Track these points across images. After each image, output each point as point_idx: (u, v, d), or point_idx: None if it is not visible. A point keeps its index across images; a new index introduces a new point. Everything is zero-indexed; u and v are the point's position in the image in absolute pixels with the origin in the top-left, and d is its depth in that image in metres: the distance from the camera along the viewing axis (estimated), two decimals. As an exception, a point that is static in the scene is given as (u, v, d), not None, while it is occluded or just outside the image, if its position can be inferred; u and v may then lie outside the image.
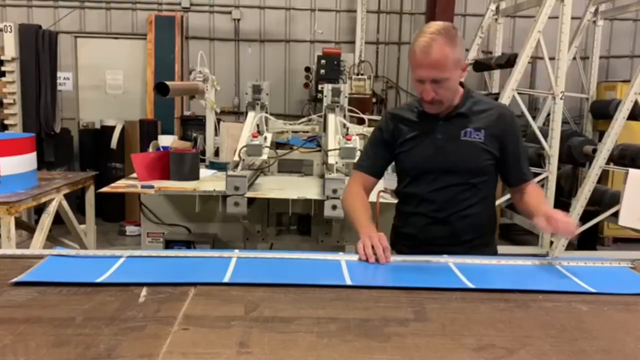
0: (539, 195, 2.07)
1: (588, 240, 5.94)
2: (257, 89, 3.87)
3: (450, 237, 2.02)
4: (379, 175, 2.17)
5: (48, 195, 3.45)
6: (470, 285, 1.56)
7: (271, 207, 3.53)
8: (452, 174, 2.00)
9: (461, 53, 1.93)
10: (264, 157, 3.13)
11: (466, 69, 2.00)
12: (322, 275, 1.64)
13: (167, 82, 3.60)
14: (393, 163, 2.16)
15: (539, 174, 5.37)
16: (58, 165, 5.80)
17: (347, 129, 3.49)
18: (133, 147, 6.39)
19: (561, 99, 5.27)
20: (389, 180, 3.02)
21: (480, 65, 6.49)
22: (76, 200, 5.31)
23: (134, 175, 3.52)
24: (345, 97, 3.80)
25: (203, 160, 3.96)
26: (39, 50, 5.57)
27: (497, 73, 6.68)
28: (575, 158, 5.68)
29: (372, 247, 1.77)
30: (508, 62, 5.65)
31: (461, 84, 2.05)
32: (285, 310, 1.37)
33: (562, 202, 6.09)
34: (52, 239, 4.04)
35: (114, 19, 7.29)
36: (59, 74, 6.06)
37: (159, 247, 3.59)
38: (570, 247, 5.50)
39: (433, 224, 2.03)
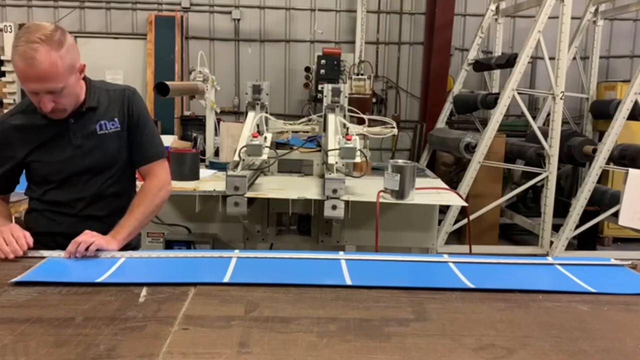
0: (140, 201, 1.96)
1: (588, 240, 5.94)
2: (257, 89, 3.86)
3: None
4: (4, 190, 2.03)
5: (48, 195, 3.44)
6: (470, 285, 1.56)
7: (271, 207, 3.53)
8: (96, 171, 1.94)
9: (73, 56, 1.79)
10: (264, 157, 3.13)
11: (84, 70, 1.88)
12: (322, 275, 1.64)
13: (167, 82, 3.59)
14: None
15: (539, 173, 5.38)
16: (58, 165, 5.79)
17: (347, 129, 3.48)
18: (133, 147, 6.36)
19: (561, 99, 5.27)
20: (389, 180, 3.03)
21: (480, 65, 6.49)
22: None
23: (134, 175, 3.50)
24: (345, 97, 3.79)
25: (203, 160, 3.95)
26: (39, 50, 5.56)
27: (497, 73, 6.68)
28: (575, 158, 5.68)
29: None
30: (508, 62, 5.65)
31: (83, 77, 1.94)
32: (285, 310, 1.37)
33: (562, 202, 6.11)
34: (52, 239, 4.03)
35: (114, 19, 7.28)
36: (59, 74, 6.05)
37: (159, 247, 3.58)
38: (570, 247, 5.49)
39: (85, 223, 1.90)
